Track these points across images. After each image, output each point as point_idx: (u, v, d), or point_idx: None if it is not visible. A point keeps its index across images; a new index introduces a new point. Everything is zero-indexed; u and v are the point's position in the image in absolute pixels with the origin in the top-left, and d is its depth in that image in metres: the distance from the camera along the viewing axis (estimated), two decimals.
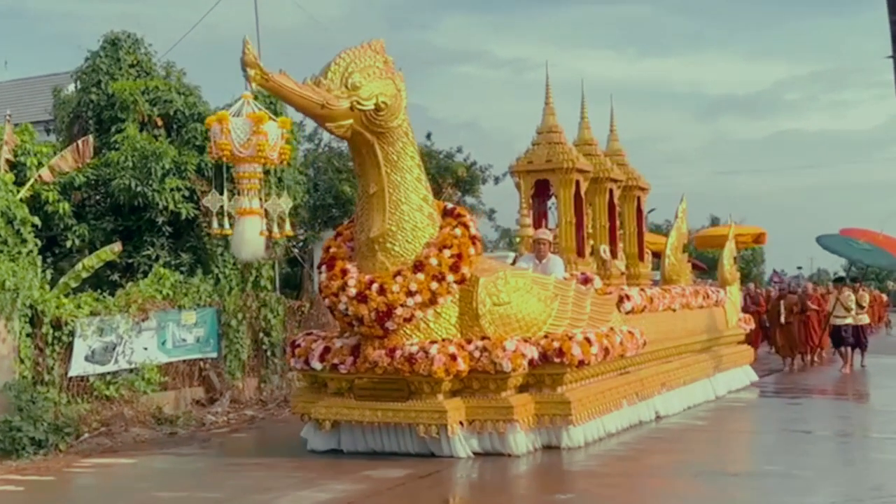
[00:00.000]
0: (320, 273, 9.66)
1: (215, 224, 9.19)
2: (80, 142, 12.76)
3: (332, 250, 9.74)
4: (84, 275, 12.25)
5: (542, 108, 13.47)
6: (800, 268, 50.81)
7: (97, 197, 14.07)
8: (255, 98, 9.12)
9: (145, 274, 13.05)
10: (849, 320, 18.77)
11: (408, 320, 9.25)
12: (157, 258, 13.47)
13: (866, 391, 16.53)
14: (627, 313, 11.63)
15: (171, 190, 13.42)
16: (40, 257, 11.43)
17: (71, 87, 15.61)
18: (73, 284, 12.07)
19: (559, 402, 9.59)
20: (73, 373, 11.04)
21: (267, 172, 13.54)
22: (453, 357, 9.13)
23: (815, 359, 20.65)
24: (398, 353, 9.22)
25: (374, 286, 9.21)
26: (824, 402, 15.09)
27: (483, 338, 9.42)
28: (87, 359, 11.19)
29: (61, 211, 12.86)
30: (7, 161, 12.10)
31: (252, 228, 8.75)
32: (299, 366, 9.95)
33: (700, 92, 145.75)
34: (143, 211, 13.63)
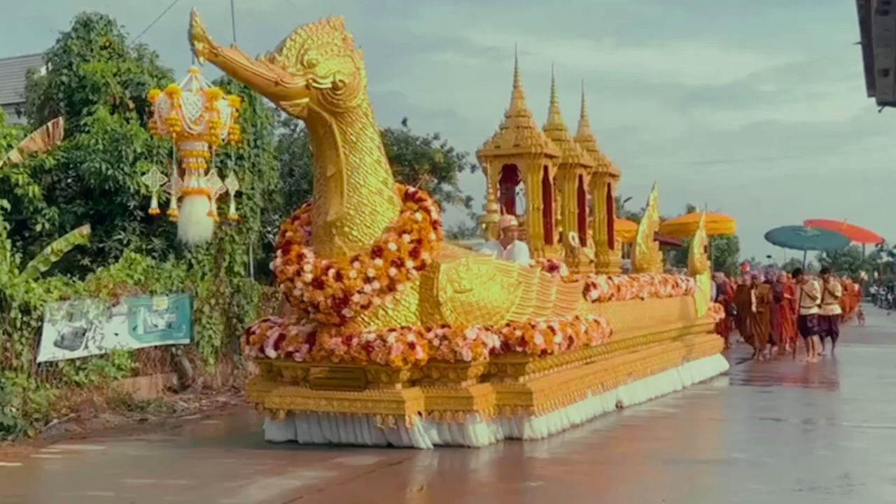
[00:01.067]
0: (275, 258, 9.32)
1: (154, 204, 8.74)
2: (49, 124, 12.48)
3: (288, 234, 9.39)
4: (53, 259, 12.03)
5: (511, 91, 13.17)
6: (769, 256, 50.91)
7: (68, 180, 13.90)
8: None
9: (117, 259, 12.85)
10: (814, 310, 18.59)
11: (365, 307, 8.93)
12: (129, 243, 13.30)
13: (836, 380, 16.52)
14: (594, 302, 11.36)
15: (143, 174, 12.94)
16: (9, 241, 11.26)
17: (43, 70, 15.39)
18: (43, 268, 11.88)
19: (521, 392, 9.31)
20: (42, 358, 10.81)
21: (241, 157, 13.88)
22: (412, 345, 8.82)
23: (788, 348, 20.53)
24: (355, 340, 8.90)
25: (331, 272, 8.87)
26: (794, 390, 15.02)
27: (443, 326, 9.11)
28: (56, 344, 10.97)
29: (31, 194, 12.68)
30: None
31: (199, 209, 8.35)
32: (254, 353, 9.61)
33: (676, 82, 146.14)
34: (114, 195, 13.42)
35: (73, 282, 11.52)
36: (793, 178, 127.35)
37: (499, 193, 13.45)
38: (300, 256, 9.07)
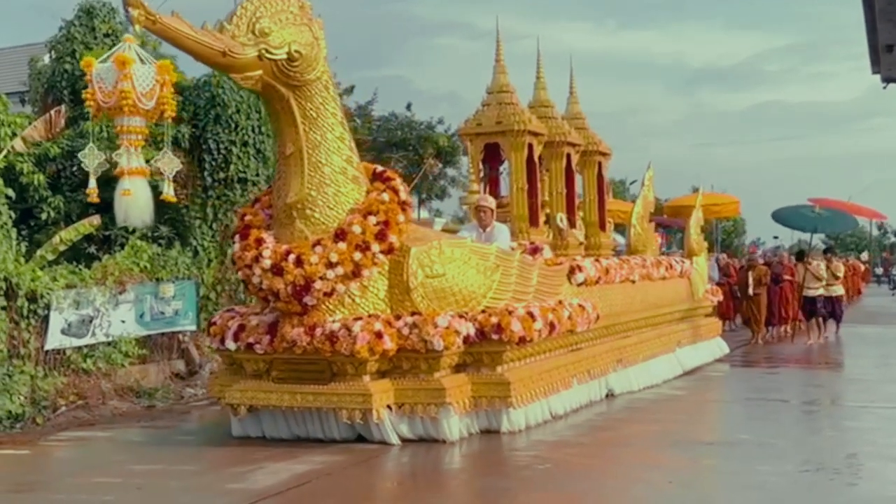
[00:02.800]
0: (233, 243, 8.70)
1: (91, 184, 8.09)
2: (52, 112, 12.29)
3: (247, 218, 8.77)
4: (61, 248, 11.92)
5: (493, 66, 12.52)
6: (776, 237, 50.20)
7: (72, 168, 13.69)
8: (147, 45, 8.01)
9: (122, 246, 12.70)
10: (821, 291, 17.95)
11: (329, 294, 8.31)
12: (134, 230, 13.04)
13: (841, 361, 16.09)
14: (579, 285, 10.71)
15: (147, 161, 12.99)
16: (15, 230, 11.15)
17: (47, 58, 15.34)
18: (50, 257, 11.75)
19: (498, 382, 8.69)
20: (49, 346, 10.71)
21: (245, 143, 13.36)
22: (379, 335, 8.20)
23: (790, 329, 19.88)
24: (318, 330, 8.28)
25: (291, 257, 8.25)
26: (798, 372, 14.59)
27: (414, 313, 8.49)
28: (63, 332, 10.86)
29: (36, 182, 12.56)
30: None
31: (137, 190, 7.69)
32: (216, 345, 9.01)
33: (680, 64, 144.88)
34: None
35: (80, 270, 11.44)
36: (798, 158, 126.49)
37: (483, 174, 12.85)
38: (259, 241, 8.45)
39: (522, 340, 8.71)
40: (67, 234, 11.99)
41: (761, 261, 20.69)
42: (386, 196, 8.59)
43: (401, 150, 31.72)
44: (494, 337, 8.59)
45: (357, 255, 8.28)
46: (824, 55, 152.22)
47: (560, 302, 9.82)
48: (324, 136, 8.37)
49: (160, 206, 12.74)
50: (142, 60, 7.38)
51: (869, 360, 15.92)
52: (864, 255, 54.24)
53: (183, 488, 7.17)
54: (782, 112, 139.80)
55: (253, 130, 13.97)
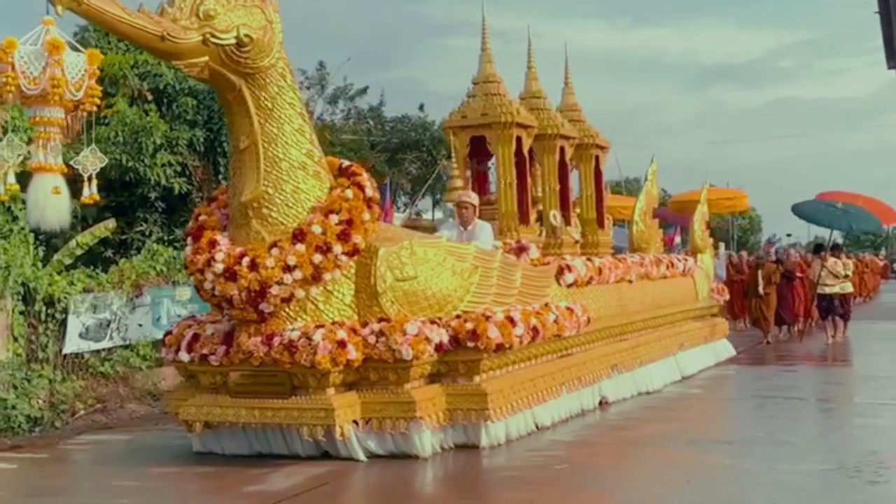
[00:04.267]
0: (186, 246, 8.02)
1: (10, 179, 7.35)
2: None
3: (201, 218, 8.08)
4: (78, 252, 12.00)
5: (479, 55, 11.81)
6: (789, 235, 49.24)
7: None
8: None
9: (139, 250, 12.89)
10: (837, 289, 17.14)
11: (287, 301, 7.61)
12: (151, 234, 13.51)
13: (858, 358, 15.61)
14: (569, 287, 9.99)
15: (163, 165, 13.51)
16: (32, 234, 11.11)
17: None
18: (67, 261, 11.80)
19: (474, 393, 7.96)
20: (67, 350, 10.79)
21: None
22: (342, 344, 7.50)
23: (802, 328, 19.06)
24: (276, 340, 7.59)
25: (245, 260, 7.56)
26: (815, 369, 14.18)
27: (382, 320, 7.80)
28: (81, 336, 10.95)
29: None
30: None
31: (46, 190, 6.95)
32: (171, 357, 8.33)
33: (693, 61, 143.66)
34: (135, 187, 13.60)
35: (97, 274, 11.56)
36: (813, 155, 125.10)
37: (469, 170, 12.14)
38: (212, 244, 7.75)
39: (501, 348, 7.99)
40: (84, 238, 12.03)
41: (773, 257, 19.83)
42: (350, 193, 7.89)
43: (414, 152, 31.29)
44: (470, 344, 7.88)
45: (317, 258, 7.58)
46: (838, 50, 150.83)
47: (546, 305, 9.10)
48: (281, 129, 7.68)
49: (173, 209, 12.84)
50: (52, 39, 6.62)
51: (888, 356, 15.48)
52: (883, 252, 53.15)
53: (201, 491, 7.14)
54: (797, 108, 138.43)
55: None
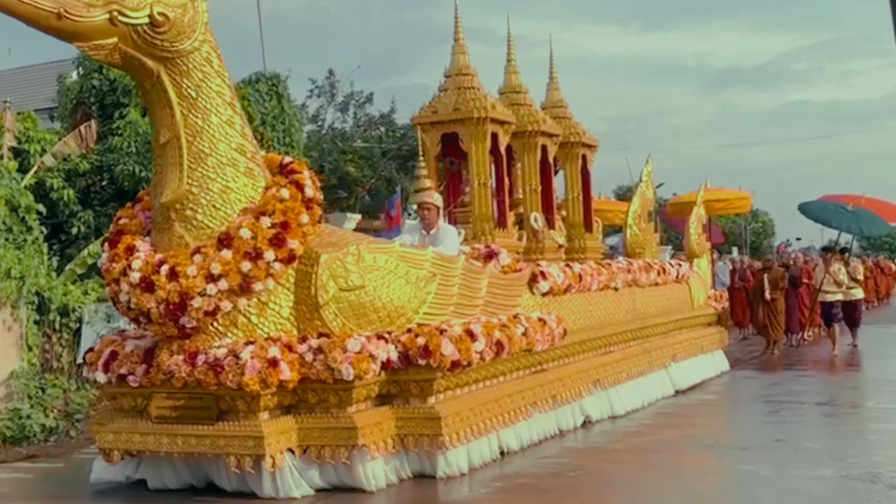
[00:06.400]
0: (103, 252, 7.08)
1: None
2: (82, 127, 12.37)
3: (121, 222, 7.15)
4: (90, 261, 11.82)
5: (452, 46, 10.87)
6: (798, 238, 48.05)
7: (102, 183, 14.07)
8: None
9: None
10: (839, 296, 16.00)
11: (211, 314, 6.67)
12: None
13: (874, 361, 14.92)
14: (544, 295, 9.02)
15: None
16: (46, 244, 11.08)
17: (74, 74, 15.57)
18: (80, 271, 11.75)
19: (426, 417, 7.00)
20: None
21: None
22: (274, 363, 6.55)
23: (808, 336, 17.98)
24: (201, 358, 6.65)
25: (164, 269, 6.63)
26: (829, 375, 13.71)
27: (322, 335, 6.85)
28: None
29: (66, 198, 12.69)
30: (10, 149, 11.71)
31: None
32: (91, 376, 7.40)
33: (707, 64, 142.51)
34: None
35: None
36: (828, 156, 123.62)
37: (444, 169, 11.21)
38: (130, 250, 6.83)
39: (457, 365, 7.03)
40: (96, 248, 11.72)
41: (780, 262, 18.76)
42: (286, 192, 6.96)
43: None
44: (421, 362, 6.92)
45: (246, 266, 6.64)
46: (852, 53, 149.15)
47: (515, 316, 8.14)
48: (207, 120, 6.76)
49: None
50: None
51: None
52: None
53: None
54: (811, 111, 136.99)
55: (278, 142, 14.32)
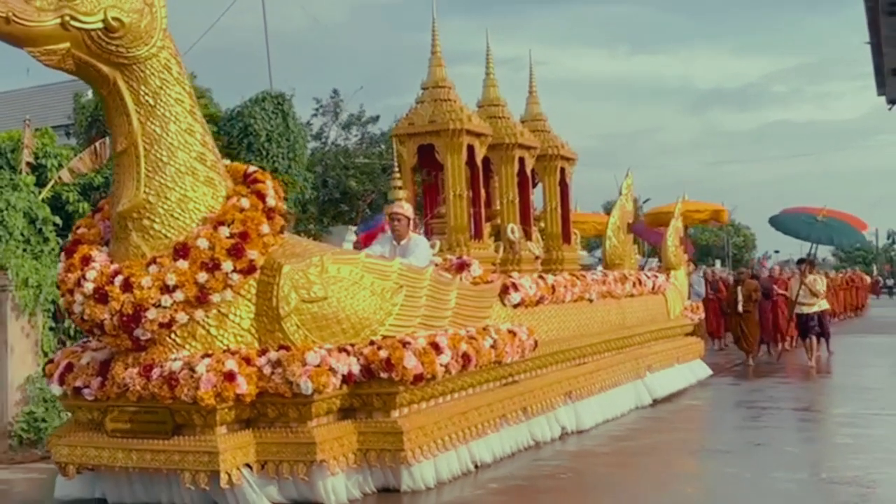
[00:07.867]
0: (60, 262, 6.68)
1: None
2: (97, 144, 12.18)
3: (80, 231, 6.75)
4: None
5: (429, 59, 10.51)
6: (777, 251, 47.73)
7: None
8: None
9: None
10: (815, 308, 15.59)
11: (167, 326, 6.26)
12: None
13: (851, 370, 14.77)
14: (516, 307, 8.62)
15: None
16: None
17: (90, 93, 15.36)
18: None
19: (387, 431, 6.58)
20: None
21: (275, 170, 13.30)
22: (230, 376, 6.14)
23: (786, 347, 17.56)
24: (156, 372, 6.24)
25: (118, 279, 6.22)
26: (808, 383, 13.53)
27: (282, 347, 6.45)
28: None
29: (82, 211, 12.27)
30: (28, 164, 11.73)
31: None
32: (49, 389, 6.98)
33: (691, 86, 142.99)
34: None
35: None
36: (807, 174, 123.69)
37: (421, 181, 10.84)
38: (85, 260, 6.42)
39: (421, 378, 6.62)
40: None
41: (751, 273, 18.36)
42: (246, 202, 6.55)
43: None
44: (384, 375, 6.52)
45: (202, 277, 6.24)
46: (829, 76, 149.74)
47: (484, 328, 7.74)
48: (165, 128, 6.36)
49: None
50: None
51: (878, 369, 15.17)
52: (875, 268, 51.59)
53: None
54: (791, 130, 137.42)
55: (283, 158, 14.10)
